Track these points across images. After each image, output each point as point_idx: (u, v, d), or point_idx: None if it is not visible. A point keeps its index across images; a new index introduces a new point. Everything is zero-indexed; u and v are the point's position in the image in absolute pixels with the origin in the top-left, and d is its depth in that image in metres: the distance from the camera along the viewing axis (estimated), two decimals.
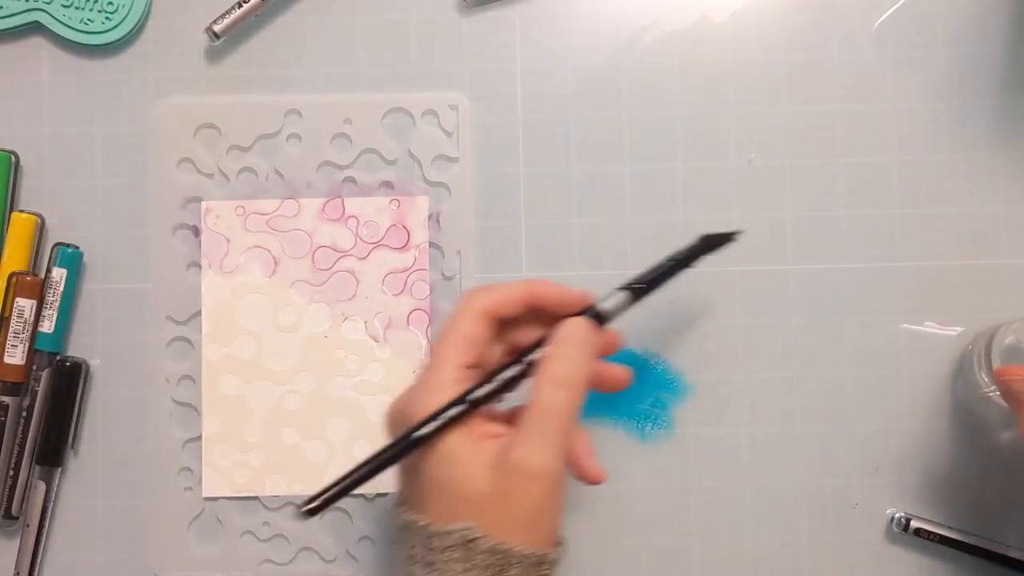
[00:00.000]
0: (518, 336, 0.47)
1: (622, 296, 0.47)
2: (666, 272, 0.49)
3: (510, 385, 0.45)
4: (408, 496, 0.44)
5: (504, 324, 0.47)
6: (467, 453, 0.42)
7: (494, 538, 0.41)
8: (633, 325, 0.56)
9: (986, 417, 0.56)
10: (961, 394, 0.56)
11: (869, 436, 0.56)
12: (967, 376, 0.56)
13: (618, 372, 0.48)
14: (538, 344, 0.46)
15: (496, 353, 0.47)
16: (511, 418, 0.46)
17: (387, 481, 0.55)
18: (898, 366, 0.57)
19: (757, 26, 0.58)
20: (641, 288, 0.48)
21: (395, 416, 0.45)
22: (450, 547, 0.41)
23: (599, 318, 0.47)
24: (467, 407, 0.43)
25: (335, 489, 0.43)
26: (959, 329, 0.56)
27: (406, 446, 0.43)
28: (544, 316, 0.47)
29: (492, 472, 0.42)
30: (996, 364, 0.52)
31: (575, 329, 0.45)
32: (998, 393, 0.52)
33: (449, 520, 0.42)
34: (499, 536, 0.41)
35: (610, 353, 0.49)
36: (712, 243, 0.50)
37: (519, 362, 0.45)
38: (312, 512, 0.42)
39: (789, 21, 0.58)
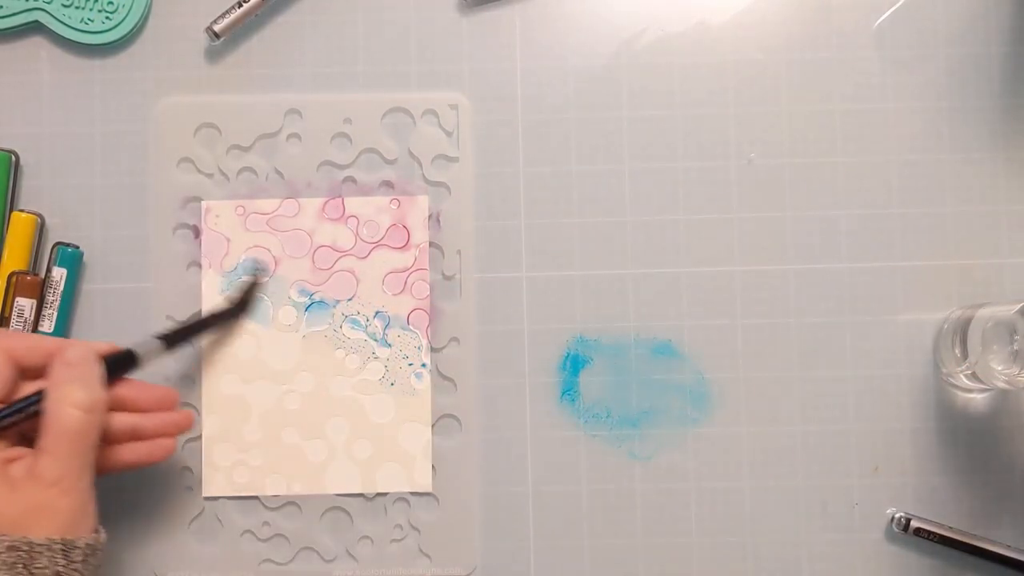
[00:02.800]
0: None
1: (155, 343, 0.51)
2: (199, 325, 0.54)
3: (28, 416, 0.47)
4: None
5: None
6: None
7: (13, 537, 0.44)
8: (646, 322, 0.56)
9: (956, 393, 0.56)
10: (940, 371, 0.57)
11: (869, 436, 0.56)
12: (941, 353, 0.56)
13: (160, 392, 0.51)
14: None
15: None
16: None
17: (386, 482, 0.56)
18: (898, 366, 0.57)
19: (757, 26, 0.58)
20: (172, 337, 0.52)
21: None
22: None
23: (132, 357, 0.50)
24: None
25: None
26: None
27: None
28: None
29: (13, 489, 0.45)
30: (975, 342, 0.53)
31: (75, 351, 0.48)
32: (970, 372, 0.53)
33: None
34: (21, 534, 0.44)
35: (168, 408, 0.51)
36: (245, 300, 0.55)
37: (37, 396, 0.47)
38: None
39: (789, 21, 0.58)
